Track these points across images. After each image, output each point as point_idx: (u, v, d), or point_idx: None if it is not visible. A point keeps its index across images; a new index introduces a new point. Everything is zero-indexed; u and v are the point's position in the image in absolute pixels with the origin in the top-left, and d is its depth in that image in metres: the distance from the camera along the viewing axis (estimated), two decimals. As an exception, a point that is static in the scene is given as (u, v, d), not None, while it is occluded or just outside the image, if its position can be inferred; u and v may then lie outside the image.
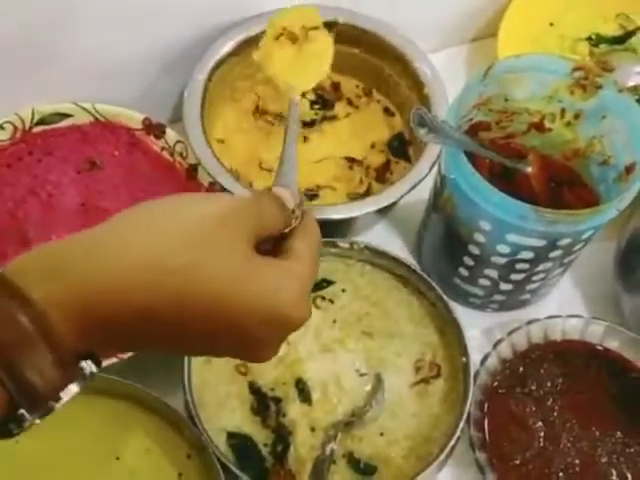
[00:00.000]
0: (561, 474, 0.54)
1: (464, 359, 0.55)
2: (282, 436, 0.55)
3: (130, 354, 0.53)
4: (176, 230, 0.33)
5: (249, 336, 0.35)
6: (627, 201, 0.51)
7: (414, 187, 0.61)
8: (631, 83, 0.71)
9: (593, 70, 0.55)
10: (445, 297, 0.57)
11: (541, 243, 0.53)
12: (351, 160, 0.67)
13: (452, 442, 0.52)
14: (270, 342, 0.37)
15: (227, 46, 0.63)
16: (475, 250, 0.57)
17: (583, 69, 0.55)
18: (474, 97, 0.56)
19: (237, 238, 0.34)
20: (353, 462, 0.54)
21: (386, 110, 0.70)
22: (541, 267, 0.57)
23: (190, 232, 0.33)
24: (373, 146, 0.68)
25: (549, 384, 0.57)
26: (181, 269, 0.32)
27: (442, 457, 0.52)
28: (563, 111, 0.58)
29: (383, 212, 0.68)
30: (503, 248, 0.54)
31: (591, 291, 0.67)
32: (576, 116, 0.58)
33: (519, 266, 0.56)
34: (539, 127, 0.60)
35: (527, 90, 0.57)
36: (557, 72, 0.55)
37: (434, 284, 0.58)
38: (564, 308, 0.64)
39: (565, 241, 0.53)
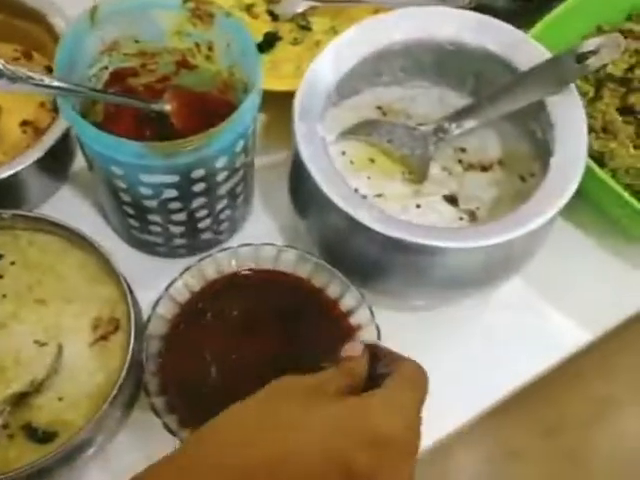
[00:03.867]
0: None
1: (125, 307, 0.54)
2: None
3: None
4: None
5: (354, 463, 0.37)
6: (234, 122, 0.51)
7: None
8: (299, 10, 0.72)
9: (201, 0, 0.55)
10: (101, 248, 0.56)
11: (175, 179, 0.53)
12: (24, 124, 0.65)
13: (116, 387, 0.51)
14: (381, 470, 0.38)
15: None
16: (125, 197, 0.56)
17: (192, 0, 0.55)
18: (94, 43, 0.55)
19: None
20: (31, 432, 0.53)
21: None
22: (196, 203, 0.57)
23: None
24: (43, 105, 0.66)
25: (227, 315, 0.58)
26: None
27: (110, 398, 0.51)
28: (197, 45, 0.58)
29: (61, 178, 0.67)
30: (145, 190, 0.54)
31: (288, 222, 0.68)
32: (209, 48, 0.58)
33: (172, 206, 0.56)
34: (186, 65, 0.60)
35: (152, 29, 0.57)
36: (169, 7, 0.55)
37: (89, 237, 0.56)
38: (260, 241, 0.65)
39: (199, 172, 0.53)
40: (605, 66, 0.66)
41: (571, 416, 1.37)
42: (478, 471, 1.32)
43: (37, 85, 0.48)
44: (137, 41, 0.57)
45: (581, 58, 0.55)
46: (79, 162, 0.67)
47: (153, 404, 0.53)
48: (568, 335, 0.67)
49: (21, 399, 0.54)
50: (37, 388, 0.54)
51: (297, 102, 0.55)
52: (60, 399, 0.54)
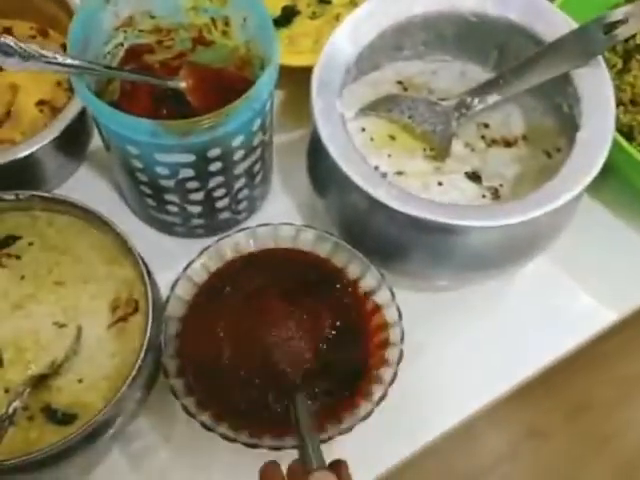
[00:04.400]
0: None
1: (143, 288, 0.54)
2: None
3: None
4: None
5: None
6: (250, 99, 0.50)
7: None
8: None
9: (216, -27, 0.53)
10: (118, 228, 0.55)
11: (191, 158, 0.52)
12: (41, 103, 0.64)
13: (135, 369, 0.51)
14: None
15: None
16: (142, 177, 0.55)
17: (207, -27, 0.54)
18: (108, 19, 0.54)
19: None
20: (50, 414, 0.53)
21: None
22: (214, 183, 0.56)
23: None
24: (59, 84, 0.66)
25: (245, 296, 0.57)
26: None
27: (129, 380, 0.50)
28: (214, 20, 0.57)
29: (78, 158, 0.66)
30: (161, 169, 0.53)
31: (307, 200, 0.67)
32: (226, 23, 0.57)
33: (189, 185, 0.55)
34: (202, 41, 0.59)
35: (167, 4, 0.56)
36: (183, -20, 0.54)
37: (106, 218, 0.56)
38: (279, 220, 0.64)
39: (216, 151, 0.52)
40: (634, 37, 0.64)
41: (596, 397, 1.35)
42: (503, 451, 1.32)
43: (50, 63, 0.47)
44: (152, 17, 0.56)
45: (609, 28, 0.53)
46: (96, 142, 0.66)
47: (172, 386, 0.53)
48: (594, 315, 0.65)
49: (41, 381, 0.54)
50: (56, 370, 0.54)
51: (315, 76, 0.53)
52: (79, 381, 0.54)
